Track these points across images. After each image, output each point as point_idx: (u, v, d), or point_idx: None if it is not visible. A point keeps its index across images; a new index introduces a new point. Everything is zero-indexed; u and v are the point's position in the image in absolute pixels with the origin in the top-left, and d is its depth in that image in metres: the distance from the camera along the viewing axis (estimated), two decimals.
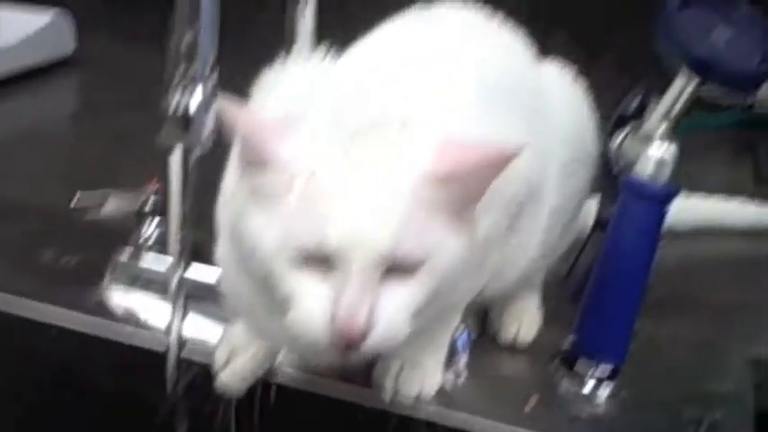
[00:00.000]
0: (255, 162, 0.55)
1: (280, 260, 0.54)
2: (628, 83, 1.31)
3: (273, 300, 0.56)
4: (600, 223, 0.72)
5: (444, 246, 0.55)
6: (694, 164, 1.21)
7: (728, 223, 1.01)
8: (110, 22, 1.58)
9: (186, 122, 0.54)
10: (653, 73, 0.70)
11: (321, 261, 0.53)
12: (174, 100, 0.54)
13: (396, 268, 0.54)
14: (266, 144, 0.54)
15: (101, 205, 0.81)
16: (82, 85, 1.33)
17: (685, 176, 1.15)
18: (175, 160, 0.56)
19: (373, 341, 0.53)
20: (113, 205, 0.80)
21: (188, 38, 0.52)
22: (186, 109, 0.54)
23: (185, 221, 0.57)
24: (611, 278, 0.68)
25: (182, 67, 0.53)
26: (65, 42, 1.37)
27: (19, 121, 1.18)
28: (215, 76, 0.55)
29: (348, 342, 0.53)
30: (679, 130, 1.20)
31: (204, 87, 0.54)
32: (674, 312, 0.83)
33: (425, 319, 0.57)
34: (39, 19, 1.33)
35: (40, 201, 0.94)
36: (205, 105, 0.55)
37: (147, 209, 0.79)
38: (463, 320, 0.72)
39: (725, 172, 1.22)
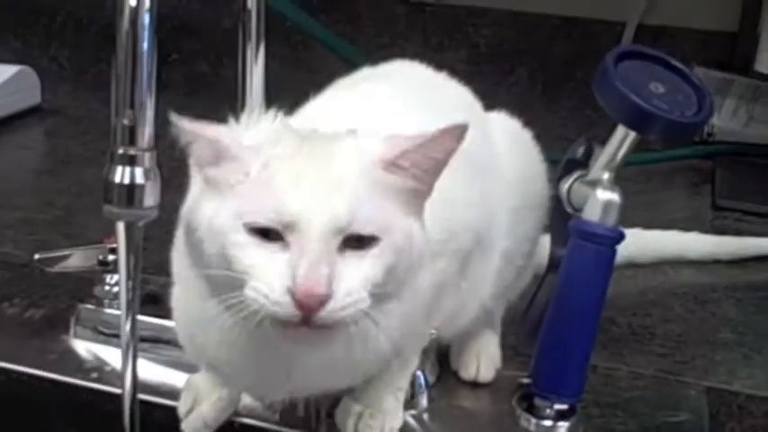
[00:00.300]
0: (210, 159, 0.56)
1: (235, 236, 0.54)
2: (587, 122, 1.35)
3: (232, 288, 0.55)
4: (553, 263, 0.74)
5: (398, 226, 0.56)
6: (655, 193, 1.26)
7: (686, 254, 1.03)
8: (75, 74, 1.60)
9: (130, 196, 0.55)
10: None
11: (276, 236, 0.54)
12: (117, 174, 0.55)
13: (351, 244, 0.54)
14: (222, 139, 0.56)
15: (64, 258, 0.82)
16: (47, 136, 1.35)
17: (647, 205, 1.20)
18: (120, 231, 0.57)
19: (333, 308, 0.53)
20: (76, 259, 0.81)
21: (129, 115, 0.53)
22: (129, 184, 0.55)
23: (134, 293, 0.58)
24: (564, 318, 0.69)
25: (122, 145, 0.55)
26: (30, 94, 1.39)
27: None
28: (154, 153, 0.56)
29: (309, 307, 0.53)
30: (640, 160, 1.24)
31: (146, 159, 0.56)
32: (633, 346, 0.85)
33: (381, 296, 0.56)
34: (5, 71, 1.35)
35: (4, 254, 0.95)
36: (148, 177, 0.56)
37: (110, 261, 0.80)
38: (423, 360, 0.73)
39: (685, 201, 1.24)
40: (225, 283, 0.55)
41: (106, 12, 1.58)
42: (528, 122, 1.41)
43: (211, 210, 0.56)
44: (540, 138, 1.38)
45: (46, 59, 1.61)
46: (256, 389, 0.67)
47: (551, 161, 0.80)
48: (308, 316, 0.53)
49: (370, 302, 0.55)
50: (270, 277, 0.53)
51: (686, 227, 1.08)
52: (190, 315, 0.64)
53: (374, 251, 0.55)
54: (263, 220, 0.54)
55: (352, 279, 0.54)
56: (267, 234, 0.54)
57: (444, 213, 0.64)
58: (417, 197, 0.58)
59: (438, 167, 0.57)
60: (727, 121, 1.37)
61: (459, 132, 0.56)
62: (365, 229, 0.55)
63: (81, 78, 1.59)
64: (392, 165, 0.56)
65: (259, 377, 0.63)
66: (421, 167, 0.57)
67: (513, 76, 1.47)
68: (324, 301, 0.53)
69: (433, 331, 0.74)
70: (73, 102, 1.47)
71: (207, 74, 1.54)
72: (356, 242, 0.55)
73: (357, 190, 0.55)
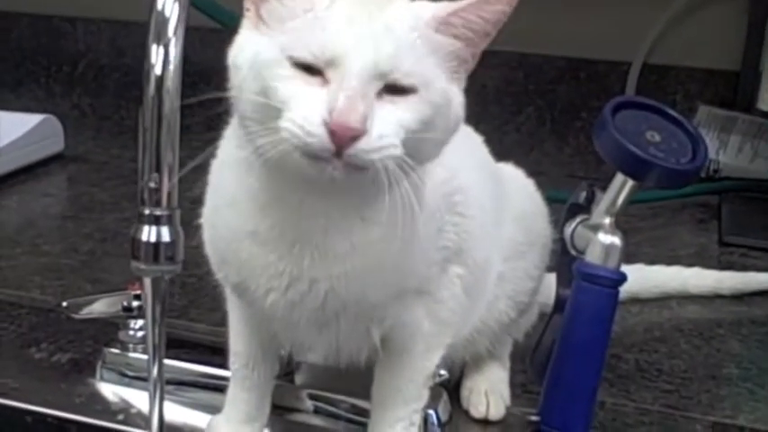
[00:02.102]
0: None
1: (278, 69, 0.56)
2: (594, 160, 1.38)
3: (268, 120, 0.56)
4: (559, 304, 0.76)
5: (438, 84, 0.58)
6: (662, 229, 1.29)
7: (690, 290, 1.06)
8: (97, 120, 1.65)
9: (156, 254, 0.59)
10: None
11: (319, 73, 0.55)
12: (144, 233, 0.59)
13: (390, 90, 0.56)
14: None
15: (89, 304, 0.85)
16: (70, 183, 1.39)
17: (654, 241, 1.22)
18: (147, 285, 0.60)
19: (365, 145, 0.54)
20: (101, 305, 0.85)
21: (154, 178, 0.57)
22: (156, 242, 0.59)
23: (160, 339, 0.62)
24: (570, 357, 0.72)
25: (149, 206, 0.58)
26: (54, 142, 1.43)
27: (9, 219, 1.23)
28: (178, 212, 0.60)
29: (342, 139, 0.53)
30: (647, 198, 1.27)
31: (171, 219, 0.59)
32: (639, 382, 0.87)
33: (414, 151, 0.57)
34: (30, 120, 1.40)
35: (32, 299, 0.98)
36: (173, 235, 0.59)
37: (134, 307, 0.84)
38: (435, 399, 0.76)
39: (692, 237, 1.27)
40: (262, 115, 0.56)
41: (126, 59, 1.64)
42: (536, 161, 1.47)
43: (259, 45, 0.58)
44: (548, 175, 1.43)
45: (68, 106, 1.67)
46: (284, 300, 0.65)
47: (559, 200, 0.82)
48: (339, 150, 0.54)
49: (402, 151, 0.56)
50: (307, 109, 0.55)
51: (693, 263, 1.11)
52: (224, 196, 0.65)
53: (412, 100, 0.57)
54: (308, 55, 0.55)
55: (387, 123, 0.55)
56: (310, 70, 0.56)
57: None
58: (461, 65, 0.60)
59: (486, 33, 0.59)
60: (732, 157, 1.40)
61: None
62: (405, 80, 0.56)
63: (102, 124, 1.64)
64: (444, 23, 0.58)
65: (288, 272, 0.63)
66: (471, 28, 0.59)
67: (522, 116, 1.50)
68: (357, 136, 0.54)
69: (442, 372, 0.77)
70: (95, 148, 1.52)
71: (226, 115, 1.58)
72: (395, 91, 0.56)
73: (404, 41, 0.57)
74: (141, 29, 0.61)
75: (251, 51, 0.58)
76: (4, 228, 1.19)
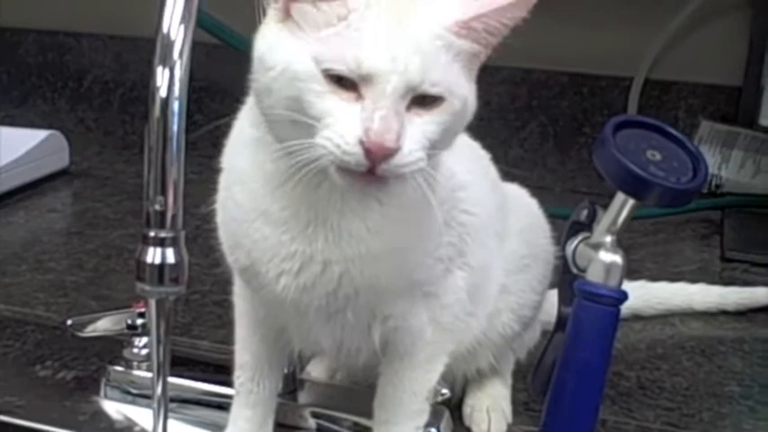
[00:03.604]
0: None
1: (313, 82, 0.57)
2: (597, 174, 1.38)
3: (298, 134, 0.58)
4: (561, 322, 0.76)
5: (460, 88, 0.60)
6: (664, 245, 1.29)
7: (693, 306, 1.06)
8: (102, 136, 1.66)
9: (161, 275, 0.59)
10: None
11: (352, 86, 0.57)
12: (149, 255, 0.59)
13: (417, 101, 0.58)
14: None
15: (94, 322, 0.86)
16: (75, 199, 1.40)
17: (656, 257, 1.22)
18: (152, 305, 0.61)
19: (398, 162, 0.56)
20: (106, 323, 0.85)
21: (159, 201, 0.58)
22: (161, 264, 0.59)
23: (165, 358, 0.62)
24: (571, 375, 0.72)
25: (154, 228, 0.59)
26: (59, 157, 1.44)
27: (15, 235, 1.23)
28: (183, 234, 0.61)
29: (378, 159, 0.56)
30: (649, 213, 1.27)
31: (176, 241, 0.60)
32: (641, 399, 0.88)
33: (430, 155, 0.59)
34: (35, 135, 1.41)
35: (37, 316, 0.99)
36: (177, 257, 0.60)
37: (138, 325, 0.84)
38: (438, 417, 0.76)
39: (694, 252, 1.27)
40: (292, 127, 0.58)
41: (131, 75, 1.65)
42: (540, 176, 1.47)
43: (291, 52, 0.58)
44: (551, 190, 1.43)
45: (74, 122, 1.68)
46: (296, 283, 0.65)
47: (561, 217, 0.83)
48: (373, 166, 0.56)
49: (427, 160, 0.58)
50: (343, 128, 0.56)
51: (695, 278, 1.11)
52: (237, 175, 0.66)
53: (436, 111, 0.59)
54: (345, 69, 0.56)
55: (416, 138, 0.58)
56: (342, 83, 0.57)
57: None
58: (476, 62, 0.62)
59: (502, 35, 0.61)
60: (734, 172, 1.41)
61: (527, 2, 0.60)
62: (433, 90, 0.58)
63: (107, 140, 1.65)
64: (465, 27, 0.59)
65: (300, 253, 0.64)
66: (491, 33, 0.60)
67: (525, 132, 1.51)
68: (392, 155, 0.56)
69: (444, 390, 0.77)
70: (100, 163, 1.53)
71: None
72: (421, 101, 0.58)
73: (431, 52, 0.58)
74: (146, 45, 0.62)
75: (284, 57, 0.59)
76: (9, 244, 1.20)
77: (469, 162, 0.75)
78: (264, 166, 0.64)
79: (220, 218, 0.69)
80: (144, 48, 0.61)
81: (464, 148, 0.76)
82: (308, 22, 0.58)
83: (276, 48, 0.59)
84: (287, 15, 0.60)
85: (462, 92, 0.60)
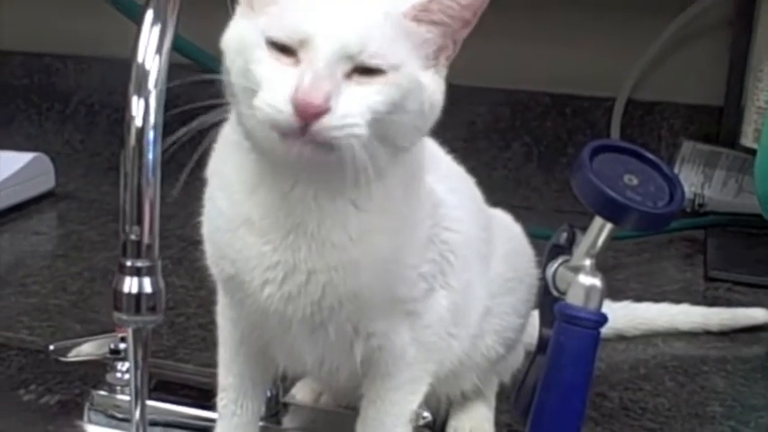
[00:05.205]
0: None
1: (257, 50, 0.59)
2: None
3: (249, 101, 0.59)
4: (542, 345, 0.77)
5: (408, 67, 0.60)
6: (648, 264, 1.30)
7: (676, 326, 1.07)
8: (87, 157, 1.66)
9: (138, 305, 0.59)
10: None
11: (293, 54, 0.58)
12: (126, 284, 0.59)
13: (359, 71, 0.58)
14: None
15: (77, 346, 0.86)
16: (60, 221, 1.40)
17: (640, 277, 1.23)
18: (129, 334, 0.61)
19: (328, 123, 0.57)
20: (89, 347, 0.85)
21: (135, 231, 0.58)
22: (137, 293, 0.60)
23: (143, 383, 0.62)
24: (552, 398, 0.72)
25: (130, 258, 0.59)
26: (44, 180, 1.44)
27: (0, 258, 1.23)
28: (159, 263, 0.61)
29: (306, 115, 0.56)
30: (633, 234, 1.28)
31: (152, 270, 0.60)
32: (624, 420, 0.88)
33: (383, 133, 0.60)
34: (20, 158, 1.41)
35: (20, 340, 0.99)
36: (154, 286, 0.60)
37: (122, 350, 0.84)
38: None
39: (677, 272, 1.28)
40: (243, 96, 0.60)
41: (117, 96, 1.65)
42: (524, 196, 1.48)
43: (242, 29, 0.61)
44: (535, 210, 1.44)
45: (60, 143, 1.68)
46: (280, 293, 0.66)
47: (543, 237, 0.83)
48: (305, 126, 0.57)
49: (366, 131, 0.58)
50: (277, 88, 0.58)
51: (679, 298, 1.12)
52: (219, 180, 0.67)
53: (380, 81, 0.59)
54: (282, 36, 0.58)
55: (352, 102, 0.58)
56: (286, 51, 0.59)
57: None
58: (440, 51, 0.62)
59: (465, 20, 0.61)
60: (717, 192, 1.42)
61: None
62: (372, 61, 0.58)
63: (93, 161, 1.65)
64: (422, 10, 0.60)
65: (283, 263, 0.64)
66: (448, 14, 0.61)
67: (509, 152, 1.52)
68: (321, 113, 0.57)
69: (425, 414, 0.78)
70: (85, 185, 1.53)
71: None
72: (364, 72, 0.58)
73: (374, 24, 0.59)
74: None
75: (236, 35, 0.62)
76: None
77: (453, 181, 0.75)
78: (243, 169, 0.65)
79: (205, 229, 0.70)
80: (130, 70, 0.61)
81: (447, 168, 0.77)
82: (262, 2, 0.61)
83: (232, 30, 0.62)
84: (249, 7, 0.62)
85: (411, 71, 0.60)
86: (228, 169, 0.66)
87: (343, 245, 0.64)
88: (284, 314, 0.66)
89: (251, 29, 0.60)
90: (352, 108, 0.58)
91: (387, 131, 0.60)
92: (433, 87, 0.62)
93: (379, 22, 0.59)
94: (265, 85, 0.58)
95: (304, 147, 0.58)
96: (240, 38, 0.61)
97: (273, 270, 0.65)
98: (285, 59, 0.59)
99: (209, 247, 0.70)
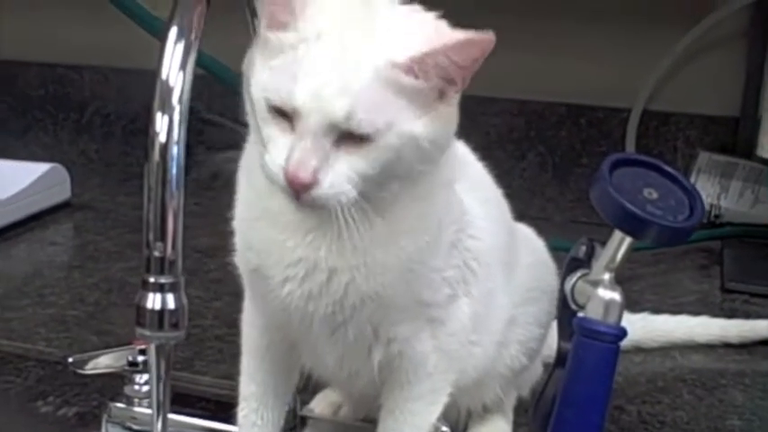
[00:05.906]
0: (275, 22, 0.61)
1: (261, 106, 0.61)
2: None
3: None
4: (561, 358, 0.77)
5: (399, 125, 0.59)
6: (664, 276, 1.29)
7: (694, 338, 1.06)
8: (103, 167, 1.67)
9: (161, 321, 0.60)
10: None
11: (289, 117, 0.60)
12: (149, 301, 0.60)
13: (349, 137, 0.59)
14: (290, 5, 0.60)
15: (95, 359, 0.86)
16: (76, 231, 1.40)
17: (656, 288, 1.23)
18: (152, 349, 0.61)
19: (317, 195, 0.59)
20: (107, 359, 0.85)
21: (159, 247, 0.58)
22: (161, 310, 0.60)
23: (165, 397, 0.63)
24: (571, 411, 0.72)
25: (153, 274, 0.59)
26: (60, 190, 1.45)
27: (16, 269, 1.24)
28: (183, 279, 0.61)
29: (296, 189, 0.59)
30: (649, 245, 1.27)
31: (176, 286, 0.60)
32: None
33: (380, 184, 0.61)
34: (36, 169, 1.41)
35: (38, 352, 0.99)
36: (177, 302, 0.61)
37: (140, 362, 0.84)
38: None
39: (694, 283, 1.27)
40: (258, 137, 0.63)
41: (133, 106, 1.66)
42: (539, 206, 1.47)
43: (253, 77, 0.62)
44: (551, 221, 1.43)
45: (75, 154, 1.69)
46: (301, 291, 0.66)
47: (561, 249, 0.83)
48: (297, 194, 0.59)
49: (355, 194, 0.60)
50: (275, 156, 0.60)
51: (695, 310, 1.11)
52: (247, 176, 0.69)
53: (367, 148, 0.59)
54: (278, 102, 0.60)
55: (340, 173, 0.59)
56: (281, 112, 0.60)
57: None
58: (438, 98, 0.61)
59: (462, 76, 0.61)
60: (733, 203, 1.41)
61: (485, 43, 0.59)
62: (360, 130, 0.59)
63: (109, 171, 1.66)
64: (417, 62, 0.59)
65: (304, 261, 0.65)
66: (445, 70, 0.60)
67: (524, 162, 1.52)
68: (309, 186, 0.59)
69: (444, 428, 0.77)
70: (101, 195, 1.53)
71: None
72: (354, 138, 0.59)
73: (363, 87, 0.59)
74: (148, 77, 0.62)
75: (251, 78, 0.62)
76: (11, 278, 1.20)
77: (481, 191, 0.76)
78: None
79: (235, 219, 0.71)
80: (145, 80, 0.62)
81: (477, 176, 0.77)
82: (268, 49, 0.61)
83: (248, 68, 0.63)
84: (264, 47, 0.62)
85: (402, 129, 0.60)
86: (252, 161, 0.67)
87: (365, 247, 0.64)
88: (305, 312, 0.67)
89: (257, 81, 0.61)
90: (340, 178, 0.60)
91: (386, 179, 0.61)
92: (434, 128, 0.61)
93: (368, 83, 0.59)
94: (269, 147, 0.61)
95: (302, 206, 0.61)
96: (253, 86, 0.62)
97: (295, 267, 0.65)
98: (283, 123, 0.60)
99: (237, 238, 0.71)
